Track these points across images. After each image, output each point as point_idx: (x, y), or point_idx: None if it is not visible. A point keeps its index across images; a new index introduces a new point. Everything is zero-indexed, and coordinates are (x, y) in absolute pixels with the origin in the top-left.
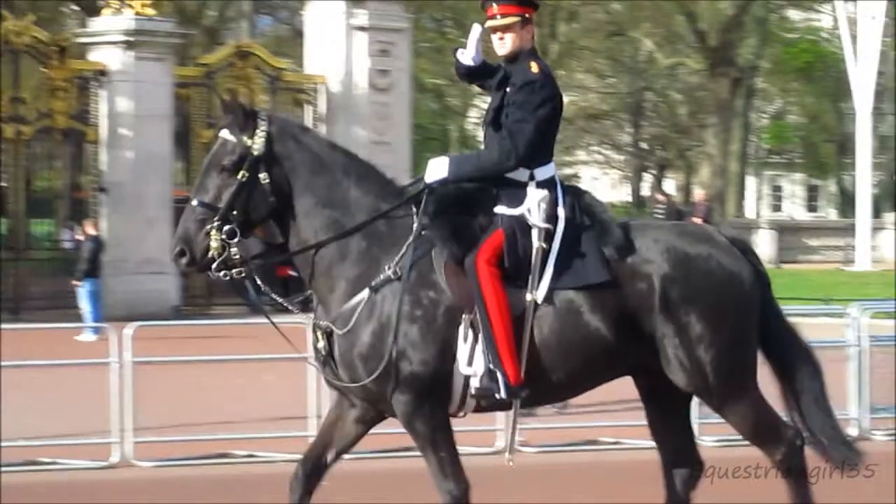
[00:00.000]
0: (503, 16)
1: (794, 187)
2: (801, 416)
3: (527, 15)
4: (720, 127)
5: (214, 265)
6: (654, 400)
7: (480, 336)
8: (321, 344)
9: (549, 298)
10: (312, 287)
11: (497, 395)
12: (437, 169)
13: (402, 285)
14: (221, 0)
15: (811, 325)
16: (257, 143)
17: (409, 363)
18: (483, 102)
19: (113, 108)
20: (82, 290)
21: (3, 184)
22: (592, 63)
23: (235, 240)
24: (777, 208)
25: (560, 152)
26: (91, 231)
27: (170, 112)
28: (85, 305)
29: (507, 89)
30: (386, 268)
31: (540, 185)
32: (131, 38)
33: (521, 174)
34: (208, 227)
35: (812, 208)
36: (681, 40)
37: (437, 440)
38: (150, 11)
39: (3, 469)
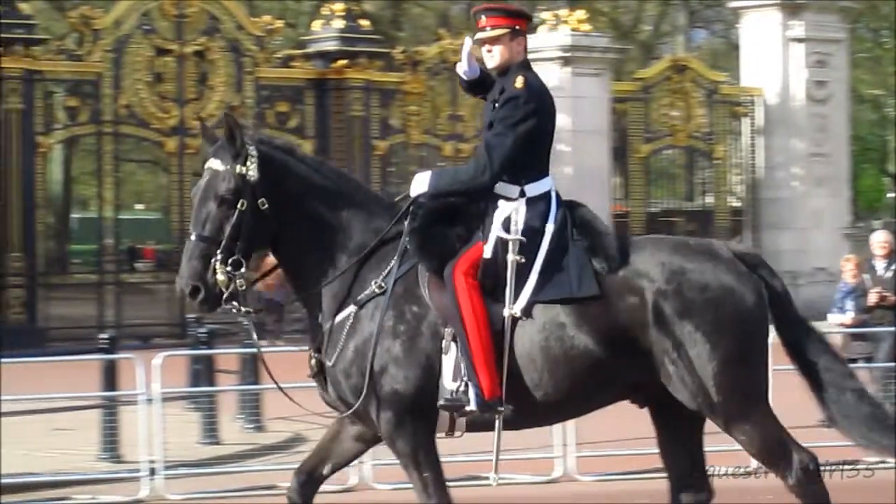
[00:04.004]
0: (492, 28)
1: None
2: (837, 414)
3: (517, 27)
4: None
5: (224, 298)
6: (661, 424)
7: (459, 347)
8: (312, 361)
9: (529, 312)
10: (305, 305)
11: (466, 408)
12: (420, 182)
13: (385, 300)
14: (656, 14)
15: None
16: (251, 170)
17: (392, 380)
18: None
19: None
20: None
21: None
22: None
23: (242, 270)
24: None
25: None
26: None
27: (607, 127)
28: None
29: (496, 103)
30: (372, 283)
31: (531, 200)
32: (568, 54)
33: (510, 190)
34: (213, 261)
35: None
36: None
37: (420, 460)
38: (587, 27)
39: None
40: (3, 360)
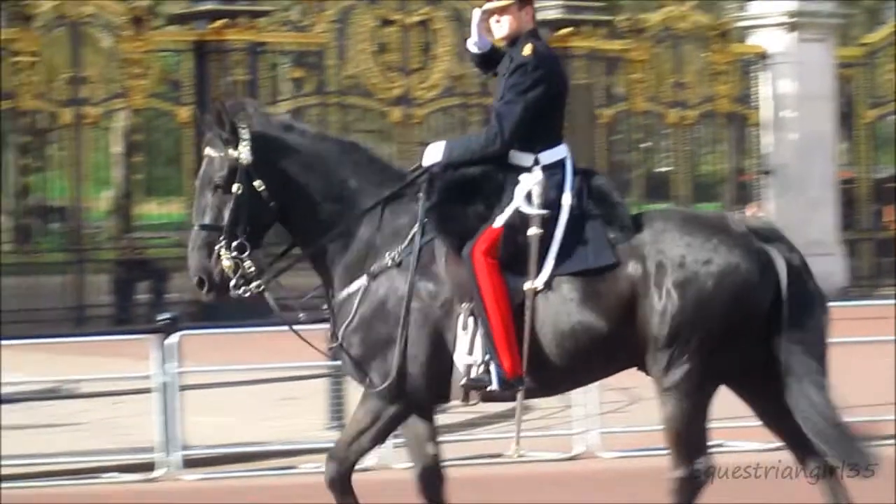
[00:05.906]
0: None
1: None
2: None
3: None
4: None
5: (233, 283)
6: (755, 404)
7: (479, 326)
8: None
9: (549, 285)
10: (322, 280)
11: (489, 388)
12: (433, 152)
13: (402, 273)
14: None
15: None
16: (243, 153)
17: (401, 354)
18: None
19: (775, 90)
20: None
21: (669, 168)
22: None
23: (246, 253)
24: None
25: None
26: (756, 214)
27: (832, 93)
28: None
29: (506, 73)
30: (386, 255)
31: (546, 168)
32: (793, 20)
33: (525, 158)
34: (216, 248)
35: None
36: None
37: (377, 427)
38: None
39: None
40: (234, 329)
